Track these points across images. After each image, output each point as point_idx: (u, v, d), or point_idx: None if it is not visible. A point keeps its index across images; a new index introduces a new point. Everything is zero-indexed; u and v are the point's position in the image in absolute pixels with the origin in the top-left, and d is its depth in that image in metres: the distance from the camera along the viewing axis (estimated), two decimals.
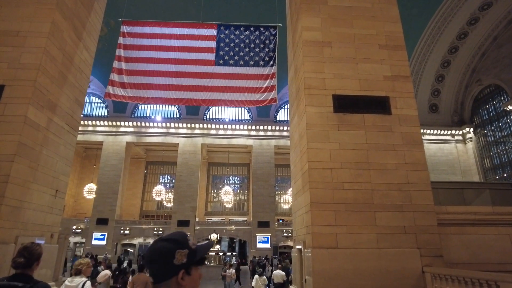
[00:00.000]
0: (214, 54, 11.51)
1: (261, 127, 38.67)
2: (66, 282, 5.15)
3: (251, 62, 11.46)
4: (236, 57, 11.49)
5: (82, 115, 38.87)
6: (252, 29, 11.83)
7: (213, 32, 11.72)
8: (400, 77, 8.14)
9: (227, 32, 11.74)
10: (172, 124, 38.22)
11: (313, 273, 6.30)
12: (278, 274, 10.41)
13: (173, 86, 10.97)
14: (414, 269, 6.45)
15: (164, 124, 38.10)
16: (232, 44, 11.65)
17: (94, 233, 34.19)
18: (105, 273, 9.17)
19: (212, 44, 11.61)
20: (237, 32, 11.77)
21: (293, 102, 9.41)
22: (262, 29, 11.82)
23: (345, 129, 7.50)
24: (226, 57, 11.50)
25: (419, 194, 7.09)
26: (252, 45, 11.63)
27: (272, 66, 11.44)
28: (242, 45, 11.62)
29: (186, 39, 11.50)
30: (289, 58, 10.35)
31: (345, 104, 7.72)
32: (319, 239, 6.58)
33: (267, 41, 11.64)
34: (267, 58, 11.48)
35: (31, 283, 2.40)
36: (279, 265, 11.48)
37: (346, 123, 7.56)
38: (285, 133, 38.98)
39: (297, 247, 7.94)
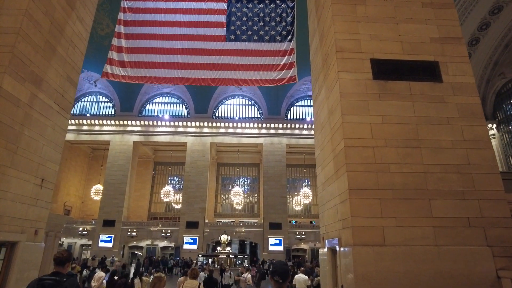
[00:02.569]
0: (225, 29, 10.23)
1: (272, 125, 37.29)
2: (186, 284, 6.66)
3: (266, 37, 10.15)
4: (250, 32, 10.20)
5: (88, 115, 38.25)
6: (267, 1, 10.54)
7: (223, 5, 10.46)
8: (450, 39, 6.72)
9: (238, 5, 10.47)
10: (180, 123, 37.15)
11: (355, 278, 4.89)
12: (301, 278, 8.97)
13: (178, 65, 9.73)
14: (485, 274, 4.99)
15: (172, 123, 37.07)
16: (244, 18, 10.36)
17: (101, 235, 33.18)
18: (99, 276, 7.89)
19: (222, 18, 10.34)
20: (250, 5, 10.49)
21: (318, 76, 8.04)
22: (278, 1, 10.51)
23: (388, 99, 6.10)
24: (238, 32, 10.20)
25: (483, 177, 5.63)
26: (267, 19, 10.32)
27: (290, 41, 10.10)
28: (256, 18, 10.33)
29: (193, 13, 10.26)
30: (311, 28, 8.99)
31: (386, 69, 6.33)
32: (361, 234, 5.17)
33: (284, 14, 10.33)
34: (284, 33, 10.16)
35: (64, 277, 3.14)
36: (302, 268, 10.03)
37: (389, 92, 6.16)
38: (296, 131, 37.56)
39: (328, 246, 6.53)
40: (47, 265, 7.85)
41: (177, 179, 43.89)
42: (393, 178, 5.53)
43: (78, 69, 8.80)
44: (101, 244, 32.90)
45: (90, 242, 34.11)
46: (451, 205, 5.43)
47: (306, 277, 9.06)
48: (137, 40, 10.11)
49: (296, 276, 9.19)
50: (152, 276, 8.81)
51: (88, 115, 38.07)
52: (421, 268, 4.98)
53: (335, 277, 6.24)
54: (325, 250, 6.81)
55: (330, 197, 6.57)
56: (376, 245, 5.10)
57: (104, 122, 36.98)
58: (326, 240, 6.74)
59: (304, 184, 42.54)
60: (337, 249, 5.77)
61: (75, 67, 8.65)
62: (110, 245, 32.86)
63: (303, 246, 35.23)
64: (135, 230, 34.03)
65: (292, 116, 39.11)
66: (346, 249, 5.37)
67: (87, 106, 39.22)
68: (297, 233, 34.44)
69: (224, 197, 42.96)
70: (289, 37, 10.12)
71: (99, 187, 35.48)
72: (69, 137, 36.85)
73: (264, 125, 37.30)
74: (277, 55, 9.91)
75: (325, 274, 6.68)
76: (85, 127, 37.12)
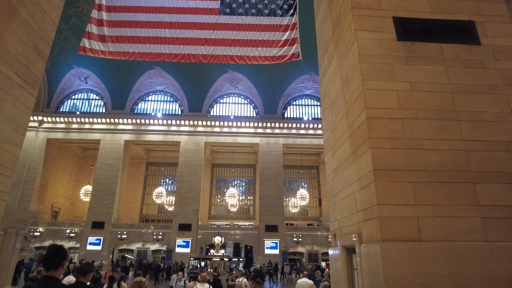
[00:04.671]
0: (219, 1, 9.12)
1: (268, 124, 36.17)
2: (198, 285, 7.21)
3: (266, 11, 9.05)
4: (247, 5, 9.10)
5: (78, 113, 36.83)
6: None
7: None
8: None
9: None
10: (173, 121, 35.90)
11: (384, 283, 3.73)
12: (305, 283, 7.76)
13: (165, 39, 8.59)
14: None
15: (165, 121, 35.79)
16: None
17: (89, 238, 31.69)
18: (68, 281, 6.65)
19: None
20: None
21: (326, 47, 6.93)
22: None
23: (417, 63, 5.00)
24: (234, 5, 9.09)
25: None
26: None
27: (292, 15, 9.01)
28: None
29: None
30: None
31: (412, 30, 5.24)
32: (391, 226, 4.03)
33: None
34: (286, 6, 9.07)
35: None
36: (305, 272, 8.83)
37: (417, 56, 5.07)
38: (293, 131, 36.48)
39: (343, 244, 5.37)
40: (5, 266, 6.58)
41: (170, 181, 42.48)
42: (428, 156, 4.41)
43: (48, 40, 7.61)
44: (89, 247, 31.43)
45: (78, 245, 32.56)
46: (501, 191, 4.31)
47: (311, 282, 7.86)
48: (120, 12, 8.95)
49: (299, 281, 7.97)
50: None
51: (78, 113, 36.67)
52: (469, 270, 3.84)
53: (351, 282, 5.09)
54: (337, 249, 5.64)
55: (345, 185, 5.42)
56: (410, 240, 3.96)
57: (95, 120, 35.61)
58: (339, 237, 5.58)
59: (300, 186, 41.44)
60: (356, 247, 4.61)
61: (45, 37, 7.45)
62: (99, 248, 31.39)
63: (300, 249, 34.04)
64: (125, 233, 32.57)
65: (289, 116, 38.06)
66: (370, 246, 4.22)
67: (78, 104, 37.84)
68: (294, 235, 33.24)
69: (218, 199, 41.64)
70: (291, 11, 9.02)
71: (89, 188, 34.06)
72: (58, 135, 35.45)
73: (260, 124, 36.19)
74: (277, 30, 8.80)
75: (338, 279, 5.51)
76: (74, 125, 35.72)
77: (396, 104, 4.67)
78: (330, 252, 6.12)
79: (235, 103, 38.21)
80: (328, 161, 6.53)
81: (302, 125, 36.38)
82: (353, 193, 4.98)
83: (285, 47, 8.58)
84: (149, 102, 37.84)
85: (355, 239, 4.67)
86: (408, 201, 4.16)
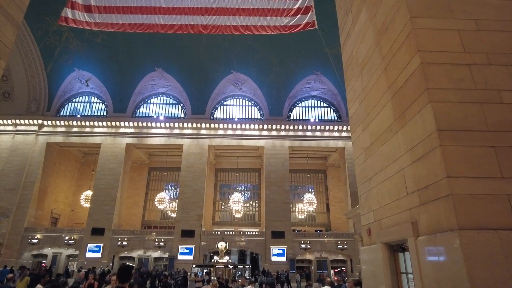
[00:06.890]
0: None
1: (274, 127, 34.93)
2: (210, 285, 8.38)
3: None
4: None
5: (79, 116, 35.97)
6: None
7: None
8: None
9: None
10: (176, 124, 34.78)
11: None
12: None
13: (160, 9, 7.48)
14: None
15: (167, 124, 34.70)
16: None
17: (89, 245, 30.44)
18: None
19: None
20: None
21: (350, 3, 5.71)
22: None
23: None
24: None
25: None
26: None
27: None
28: None
29: None
30: None
31: None
32: (471, 208, 2.76)
33: None
34: None
35: None
36: (328, 279, 7.54)
37: None
38: (300, 133, 35.18)
39: (384, 241, 4.09)
40: None
41: (172, 187, 41.14)
42: (511, 113, 3.17)
43: (21, 5, 6.51)
44: (88, 254, 30.16)
45: (77, 252, 31.33)
46: None
47: None
48: None
49: None
50: None
51: (78, 116, 35.78)
52: None
53: None
54: (375, 248, 4.36)
55: (385, 163, 4.17)
56: (502, 229, 2.69)
57: (95, 123, 34.66)
58: (377, 232, 4.30)
59: (307, 191, 39.95)
60: (410, 241, 3.34)
61: (16, 0, 6.35)
62: (98, 255, 30.11)
63: (308, 256, 32.46)
64: (126, 239, 31.28)
65: (294, 117, 36.83)
66: (437, 238, 2.94)
67: (78, 107, 36.97)
68: (302, 242, 31.69)
69: (222, 206, 40.24)
70: None
71: (89, 193, 33.00)
72: (58, 139, 34.49)
73: (265, 127, 34.97)
74: None
75: (373, 286, 4.22)
76: (75, 129, 34.79)
77: (459, 47, 3.45)
78: (363, 253, 4.82)
79: (239, 105, 37.10)
80: (357, 140, 5.27)
81: (309, 127, 35.13)
82: (400, 171, 3.72)
83: (298, 16, 7.41)
84: (151, 105, 36.87)
85: (407, 231, 3.39)
86: (491, 172, 2.90)
